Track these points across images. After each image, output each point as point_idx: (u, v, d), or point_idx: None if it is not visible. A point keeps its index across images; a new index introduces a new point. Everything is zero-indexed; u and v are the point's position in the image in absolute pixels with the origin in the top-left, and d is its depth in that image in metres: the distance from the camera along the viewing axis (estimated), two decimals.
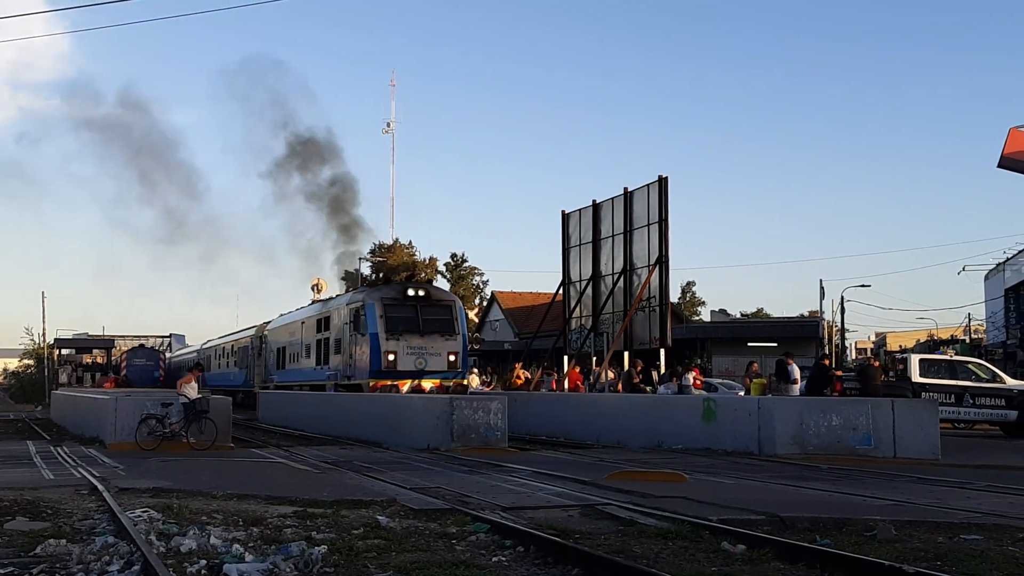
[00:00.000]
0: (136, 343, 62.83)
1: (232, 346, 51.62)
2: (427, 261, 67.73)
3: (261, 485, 12.68)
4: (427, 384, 27.37)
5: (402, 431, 20.96)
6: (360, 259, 65.51)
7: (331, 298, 35.51)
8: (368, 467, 15.50)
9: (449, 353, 27.73)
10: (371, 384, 27.19)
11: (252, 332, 46.45)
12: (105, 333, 73.83)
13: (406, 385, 27.03)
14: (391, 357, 27.17)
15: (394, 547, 8.38)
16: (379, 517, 9.87)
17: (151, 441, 19.11)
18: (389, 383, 26.97)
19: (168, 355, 64.65)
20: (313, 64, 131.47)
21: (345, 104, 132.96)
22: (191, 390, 19.86)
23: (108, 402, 20.77)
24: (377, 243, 71.75)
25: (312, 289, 57.60)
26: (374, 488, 12.59)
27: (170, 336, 77.47)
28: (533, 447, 20.66)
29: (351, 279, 67.42)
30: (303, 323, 35.95)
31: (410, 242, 72.57)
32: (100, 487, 12.09)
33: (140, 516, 9.80)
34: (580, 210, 33.01)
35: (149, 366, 55.50)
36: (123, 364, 55.68)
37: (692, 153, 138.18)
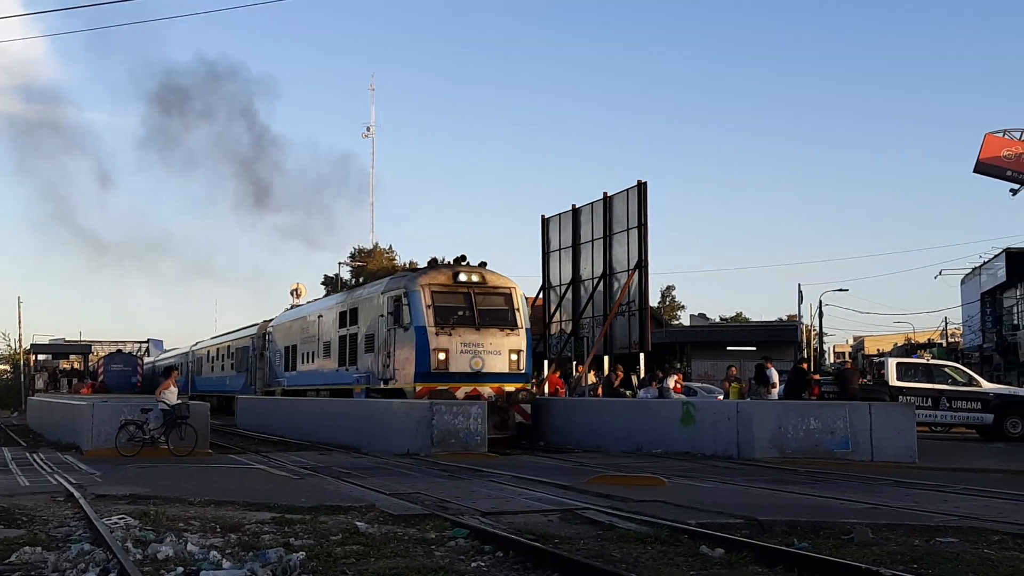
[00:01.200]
0: (113, 348, 62.44)
1: (228, 347, 46.28)
2: (407, 266, 67.78)
3: (239, 491, 12.62)
4: (485, 389, 22.63)
5: (382, 436, 20.91)
6: (340, 263, 65.49)
7: (356, 286, 32.39)
8: (347, 472, 15.45)
9: (511, 351, 23.18)
10: (417, 389, 22.27)
11: (253, 331, 41.47)
12: (82, 338, 73.38)
13: (461, 390, 22.27)
14: (442, 356, 22.41)
15: (373, 553, 8.35)
16: (358, 523, 9.84)
17: (131, 447, 18.99)
18: (442, 388, 22.08)
19: (146, 360, 64.25)
20: (288, 69, 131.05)
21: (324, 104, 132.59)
22: (171, 395, 19.76)
23: (85, 408, 20.61)
24: (357, 247, 71.80)
25: (291, 294, 57.18)
26: (353, 494, 12.56)
27: (148, 342, 77.07)
28: (513, 452, 20.68)
29: (331, 284, 67.35)
30: (320, 317, 30.69)
31: (390, 246, 72.63)
32: (76, 494, 12.00)
33: (117, 523, 9.72)
34: (560, 214, 33.06)
35: (126, 372, 55.09)
36: (100, 370, 55.30)
37: (672, 158, 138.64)
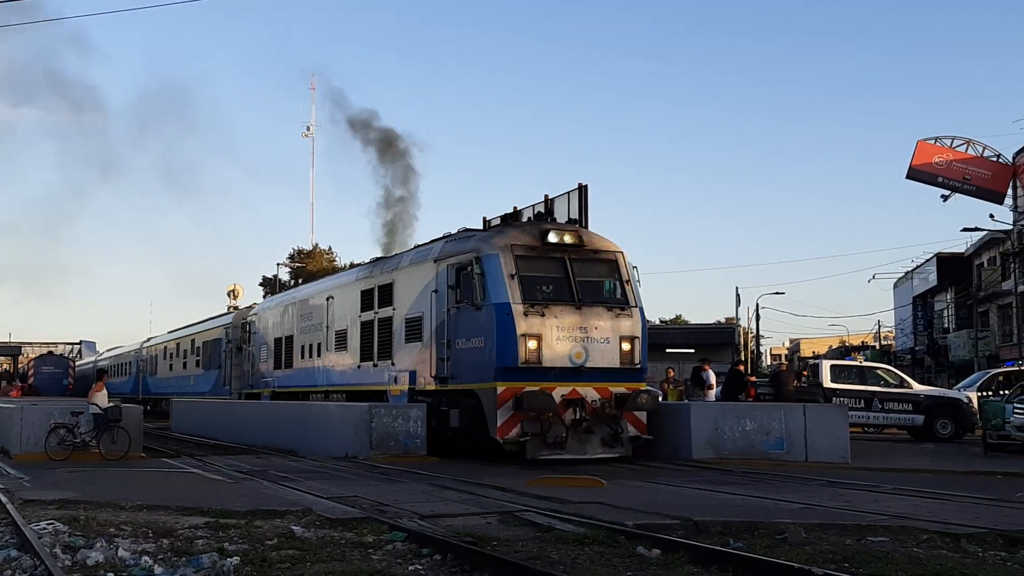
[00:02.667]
0: (44, 350, 61.02)
1: (193, 341, 39.89)
2: (348, 266, 67.31)
3: (173, 496, 12.41)
4: (588, 391, 17.42)
5: (319, 440, 20.71)
6: (278, 264, 64.79)
7: (382, 258, 24.09)
8: (284, 476, 15.28)
9: (623, 338, 17.74)
10: (499, 391, 16.87)
11: (227, 320, 35.66)
12: (12, 340, 71.62)
13: (557, 391, 17.07)
14: (532, 345, 16.95)
15: (309, 557, 8.26)
16: (294, 527, 9.73)
17: (61, 451, 18.57)
18: (532, 388, 16.80)
19: (79, 362, 62.88)
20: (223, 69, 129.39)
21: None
22: (102, 399, 19.38)
23: (14, 411, 20.10)
24: (296, 248, 71.10)
25: (228, 295, 56.20)
26: (289, 497, 12.42)
27: (80, 343, 75.51)
28: (453, 455, 20.59)
29: (269, 285, 66.62)
30: (331, 299, 24.80)
31: (329, 247, 72.03)
32: (3, 499, 11.69)
33: (45, 528, 9.50)
34: (501, 216, 33.04)
35: (58, 374, 53.88)
36: (31, 372, 54.03)
37: (612, 162, 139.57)
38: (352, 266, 26.64)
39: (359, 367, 22.76)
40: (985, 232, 50.19)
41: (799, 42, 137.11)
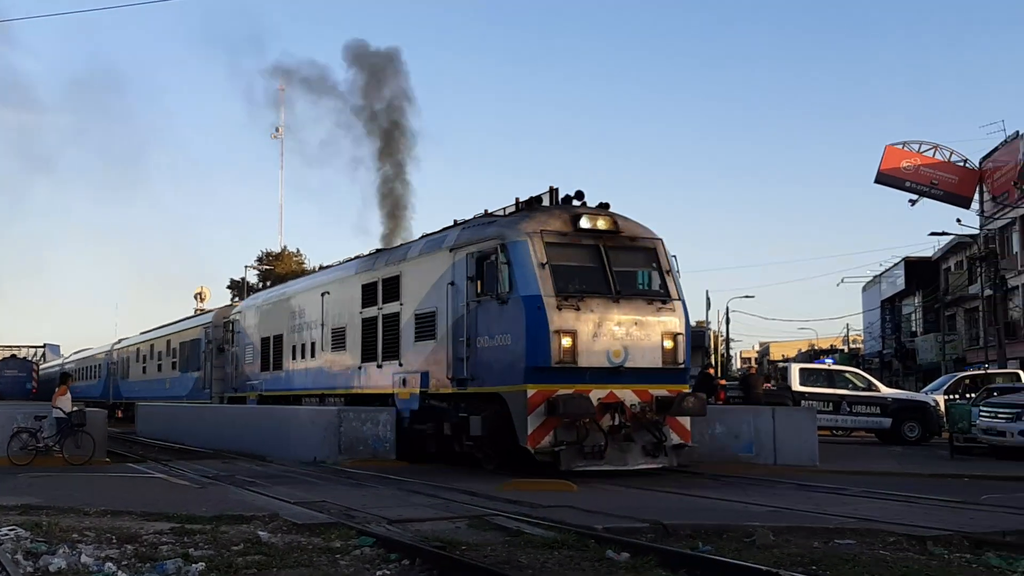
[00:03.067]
0: (7, 354, 60.21)
1: (169, 342, 37.77)
2: (316, 268, 67.10)
3: (138, 501, 12.24)
4: (626, 394, 15.69)
5: (287, 444, 20.56)
6: (246, 267, 64.39)
7: (385, 249, 22.24)
8: (251, 481, 15.15)
9: (665, 334, 16.10)
10: (530, 394, 15.14)
11: (207, 319, 33.56)
12: None
13: (593, 394, 15.33)
14: (567, 342, 15.28)
15: (275, 563, 8.17)
16: (260, 532, 9.62)
17: (24, 456, 18.34)
18: (566, 391, 15.13)
19: (42, 365, 62.13)
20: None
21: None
22: (66, 403, 19.14)
23: None
24: (264, 251, 70.69)
25: (195, 298, 55.61)
26: (256, 503, 12.30)
27: (44, 346, 74.65)
28: (424, 460, 20.49)
29: (237, 288, 66.18)
30: (326, 295, 22.94)
31: (298, 249, 71.67)
32: None
33: (6, 534, 9.33)
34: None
35: (21, 377, 53.15)
36: None
37: (582, 164, 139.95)
38: (348, 261, 23.39)
39: (360, 368, 20.96)
40: (952, 236, 50.76)
41: (767, 46, 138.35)
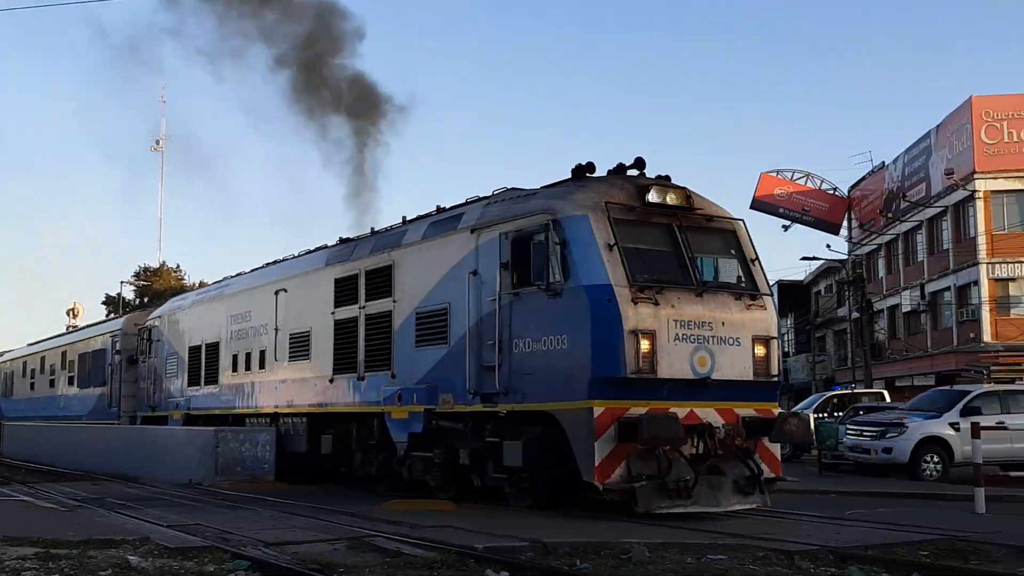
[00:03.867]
0: None
1: (64, 355, 33.11)
2: (196, 285, 65.54)
3: None
4: (709, 413, 12.64)
5: (162, 465, 19.95)
6: (122, 283, 62.39)
7: (366, 235, 18.07)
8: (121, 504, 14.65)
9: (756, 339, 13.09)
10: (598, 413, 11.92)
11: (115, 327, 29.20)
12: None
13: (673, 410, 12.19)
14: (645, 346, 12.12)
15: None
16: (130, 557, 9.32)
17: None
18: (640, 408, 12.05)
19: None
20: None
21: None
22: None
23: None
24: (142, 266, 68.70)
25: (68, 314, 53.51)
26: (127, 526, 11.89)
27: None
28: (304, 481, 20.17)
29: (112, 304, 64.08)
30: (281, 293, 19.41)
31: (178, 265, 69.92)
32: None
33: None
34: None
35: None
36: None
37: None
38: (311, 251, 19.55)
39: (331, 381, 17.39)
40: (822, 261, 52.84)
41: (654, 67, 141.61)
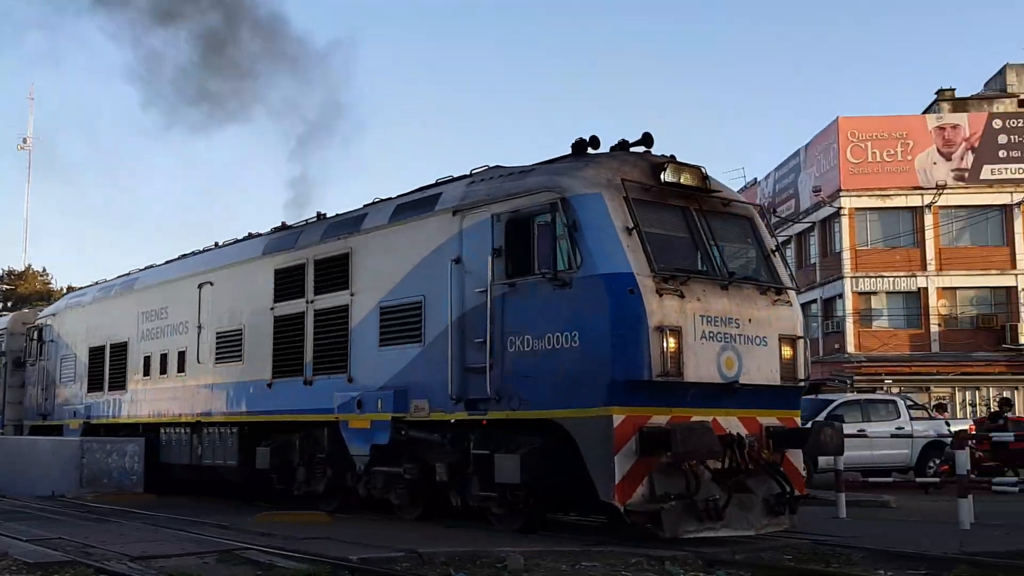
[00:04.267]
0: None
1: None
2: (64, 290, 63.08)
3: None
4: (731, 422, 11.17)
5: (22, 477, 19.08)
6: None
7: (314, 220, 16.11)
8: None
9: (783, 338, 11.72)
10: (618, 421, 10.40)
11: (1, 326, 26.69)
12: None
13: (695, 418, 10.65)
14: (671, 344, 10.62)
15: None
16: None
17: None
18: (660, 415, 10.65)
19: None
20: None
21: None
22: None
23: None
24: (6, 269, 65.79)
25: None
26: None
27: None
28: (174, 492, 19.61)
29: None
30: (207, 287, 17.52)
31: (44, 268, 67.28)
32: None
33: None
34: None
35: None
36: None
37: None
38: (243, 239, 17.80)
39: (271, 386, 15.48)
40: None
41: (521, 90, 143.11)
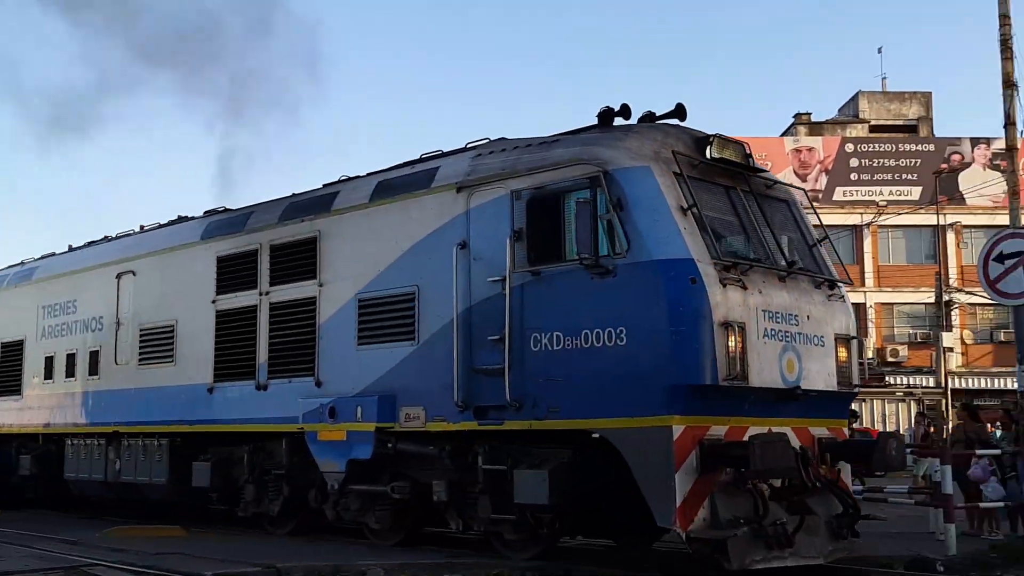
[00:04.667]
0: None
1: None
2: None
3: None
4: (787, 432, 9.37)
5: None
6: None
7: (273, 200, 13.77)
8: None
9: (839, 338, 10.35)
10: (678, 432, 8.80)
11: None
12: None
13: (751, 431, 9.15)
14: (733, 344, 9.05)
15: None
16: None
17: None
18: (721, 428, 9.20)
19: None
20: None
21: None
22: None
23: None
24: None
25: None
26: None
27: None
28: (18, 506, 18.62)
29: None
30: (128, 275, 15.37)
31: None
32: None
33: None
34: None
35: None
36: None
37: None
38: (176, 221, 15.75)
39: (212, 391, 13.43)
40: None
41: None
